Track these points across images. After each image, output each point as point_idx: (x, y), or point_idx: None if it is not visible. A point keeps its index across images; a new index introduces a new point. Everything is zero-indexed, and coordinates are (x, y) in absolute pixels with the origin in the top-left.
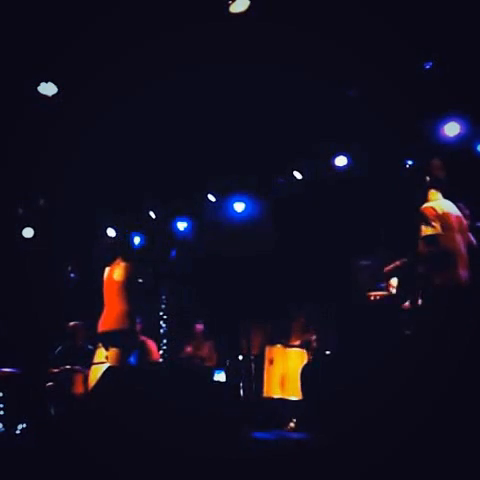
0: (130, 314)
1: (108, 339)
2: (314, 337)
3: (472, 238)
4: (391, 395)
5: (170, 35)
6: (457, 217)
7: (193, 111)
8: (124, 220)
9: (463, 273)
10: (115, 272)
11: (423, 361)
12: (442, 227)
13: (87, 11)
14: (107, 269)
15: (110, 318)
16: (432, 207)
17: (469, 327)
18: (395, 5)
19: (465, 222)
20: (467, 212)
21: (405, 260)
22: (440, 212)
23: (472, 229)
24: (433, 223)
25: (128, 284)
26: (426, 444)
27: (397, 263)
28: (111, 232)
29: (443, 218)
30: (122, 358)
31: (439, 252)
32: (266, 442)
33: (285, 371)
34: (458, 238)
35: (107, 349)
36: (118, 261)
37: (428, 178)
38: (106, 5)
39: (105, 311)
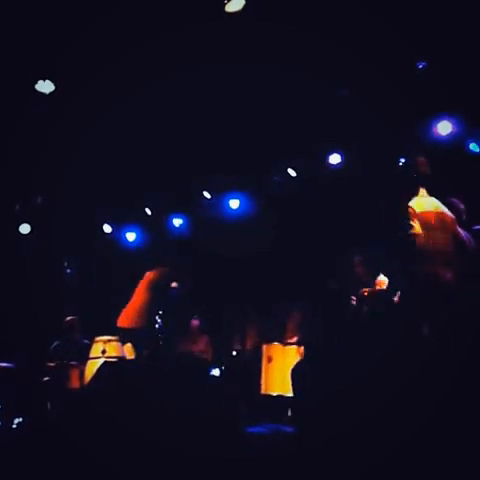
0: (149, 313)
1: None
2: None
3: (462, 234)
4: (383, 394)
5: (170, 35)
6: (439, 214)
7: (190, 110)
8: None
9: (443, 272)
10: (154, 273)
11: (413, 360)
12: (420, 226)
13: (87, 11)
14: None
15: (130, 314)
16: (410, 206)
17: (450, 325)
18: (391, 4)
19: (451, 218)
20: (462, 207)
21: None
22: (418, 211)
23: (467, 229)
24: (411, 222)
25: (158, 285)
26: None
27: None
28: (107, 228)
29: (421, 217)
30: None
31: (417, 251)
32: (260, 436)
33: (286, 368)
34: (438, 236)
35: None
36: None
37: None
38: (106, 5)
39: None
